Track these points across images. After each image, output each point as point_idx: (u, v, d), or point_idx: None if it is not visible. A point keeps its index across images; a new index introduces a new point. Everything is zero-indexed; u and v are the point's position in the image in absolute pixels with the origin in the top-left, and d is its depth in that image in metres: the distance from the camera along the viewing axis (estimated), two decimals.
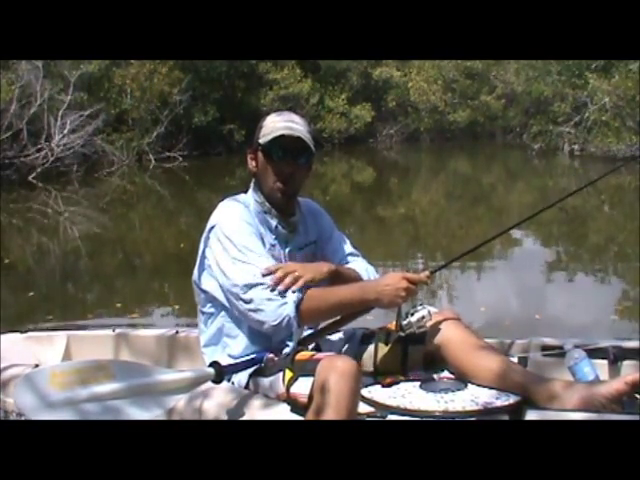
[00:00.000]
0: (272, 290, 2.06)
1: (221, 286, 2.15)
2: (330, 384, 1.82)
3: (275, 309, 2.05)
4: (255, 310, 2.06)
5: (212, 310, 2.23)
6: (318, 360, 1.92)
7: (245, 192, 2.28)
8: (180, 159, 17.11)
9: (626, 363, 2.23)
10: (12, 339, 2.81)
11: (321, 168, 16.00)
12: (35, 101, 14.04)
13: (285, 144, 2.14)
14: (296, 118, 2.21)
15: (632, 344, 2.30)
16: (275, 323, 2.05)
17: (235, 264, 2.09)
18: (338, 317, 2.18)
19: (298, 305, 2.06)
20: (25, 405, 1.84)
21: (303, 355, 2.05)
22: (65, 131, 14.50)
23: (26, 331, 2.92)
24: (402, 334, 2.15)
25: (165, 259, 7.60)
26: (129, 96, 17.52)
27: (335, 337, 2.33)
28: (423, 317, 2.13)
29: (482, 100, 23.65)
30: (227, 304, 2.16)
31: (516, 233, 7.87)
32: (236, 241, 2.11)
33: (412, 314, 2.13)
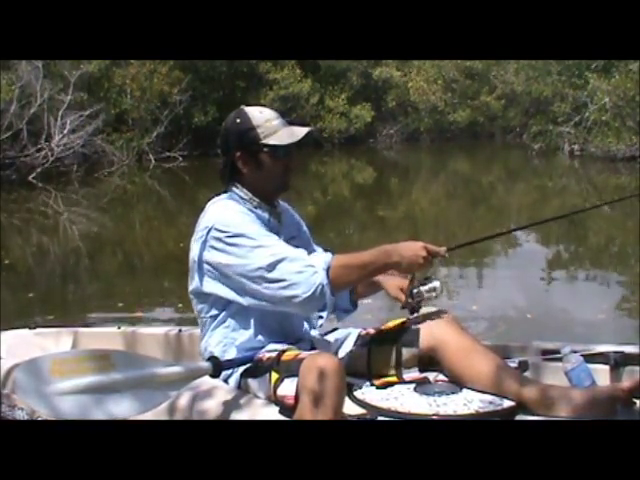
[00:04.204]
0: (298, 261, 2.03)
1: (229, 284, 2.10)
2: (313, 383, 1.81)
3: (307, 279, 2.00)
4: (287, 286, 2.01)
5: (215, 312, 2.19)
6: (302, 360, 1.91)
7: (224, 192, 2.26)
8: (180, 159, 17.10)
9: (628, 369, 2.20)
10: (21, 335, 2.83)
11: (321, 168, 16.00)
12: (35, 101, 14.03)
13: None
14: (275, 113, 2.24)
15: (634, 349, 2.26)
16: (309, 293, 1.99)
17: (252, 251, 2.05)
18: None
19: (328, 272, 2.02)
20: (25, 391, 1.85)
21: (288, 355, 2.03)
22: (65, 131, 14.49)
23: (35, 327, 2.94)
24: (410, 301, 2.15)
25: (165, 259, 7.59)
26: (129, 96, 17.52)
27: (330, 338, 2.32)
28: (434, 288, 2.12)
29: (482, 100, 23.63)
30: (238, 298, 2.11)
31: (515, 232, 7.86)
32: (245, 232, 2.08)
33: (424, 284, 2.13)
